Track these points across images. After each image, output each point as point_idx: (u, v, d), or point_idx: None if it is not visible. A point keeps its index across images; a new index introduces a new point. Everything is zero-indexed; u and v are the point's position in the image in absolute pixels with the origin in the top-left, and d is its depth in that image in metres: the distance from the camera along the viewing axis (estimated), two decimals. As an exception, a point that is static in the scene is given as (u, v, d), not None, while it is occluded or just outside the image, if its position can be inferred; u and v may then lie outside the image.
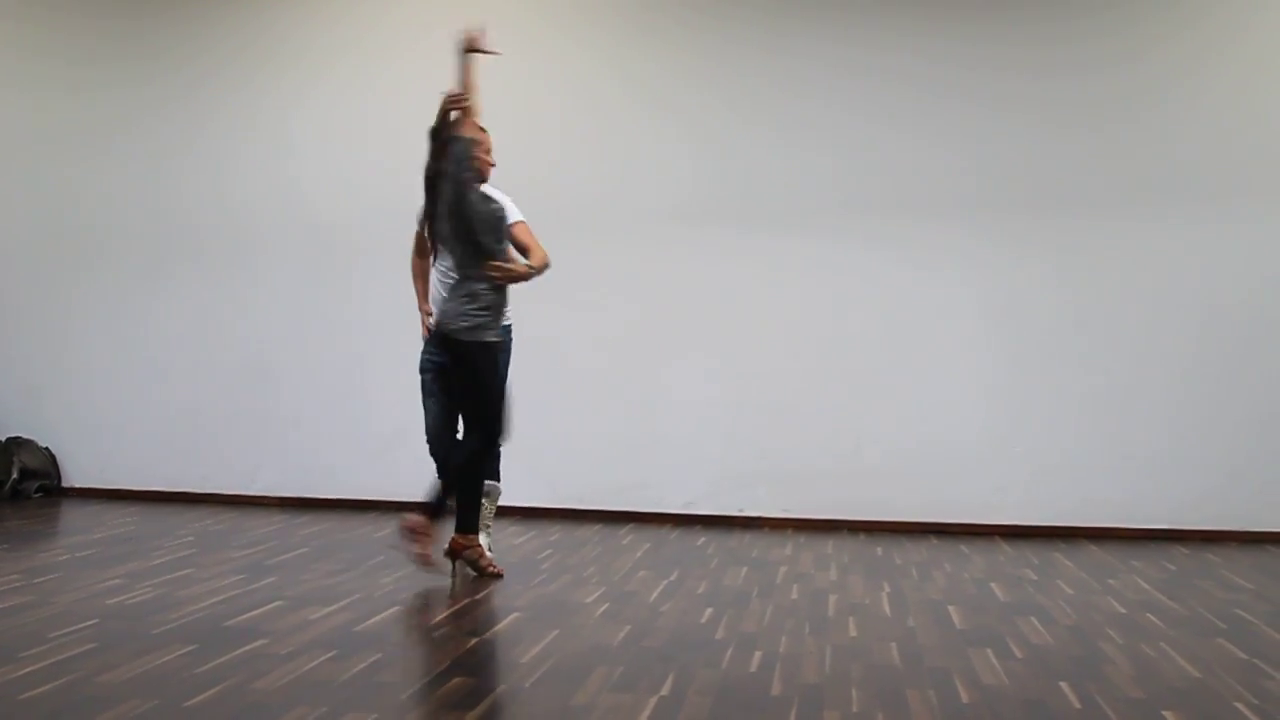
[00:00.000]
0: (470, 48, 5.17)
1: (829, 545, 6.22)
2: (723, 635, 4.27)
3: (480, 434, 5.19)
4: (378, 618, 4.49)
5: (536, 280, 5.29)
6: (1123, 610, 4.77)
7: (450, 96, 5.17)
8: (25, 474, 7.46)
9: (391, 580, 5.18)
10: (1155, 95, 6.57)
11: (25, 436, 7.64)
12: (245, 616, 4.43)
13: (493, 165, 5.23)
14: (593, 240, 6.92)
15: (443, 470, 5.33)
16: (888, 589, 5.14)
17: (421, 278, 5.58)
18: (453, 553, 5.25)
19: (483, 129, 5.20)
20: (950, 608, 4.78)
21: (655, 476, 6.95)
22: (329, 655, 3.92)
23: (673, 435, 6.93)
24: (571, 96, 7.13)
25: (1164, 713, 3.41)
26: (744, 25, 6.91)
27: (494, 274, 5.08)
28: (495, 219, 5.10)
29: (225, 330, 7.48)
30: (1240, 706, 3.48)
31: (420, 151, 5.63)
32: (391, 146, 7.23)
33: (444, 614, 4.69)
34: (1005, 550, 6.14)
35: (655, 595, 4.94)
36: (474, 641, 4.21)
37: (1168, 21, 6.60)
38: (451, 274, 5.18)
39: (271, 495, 7.37)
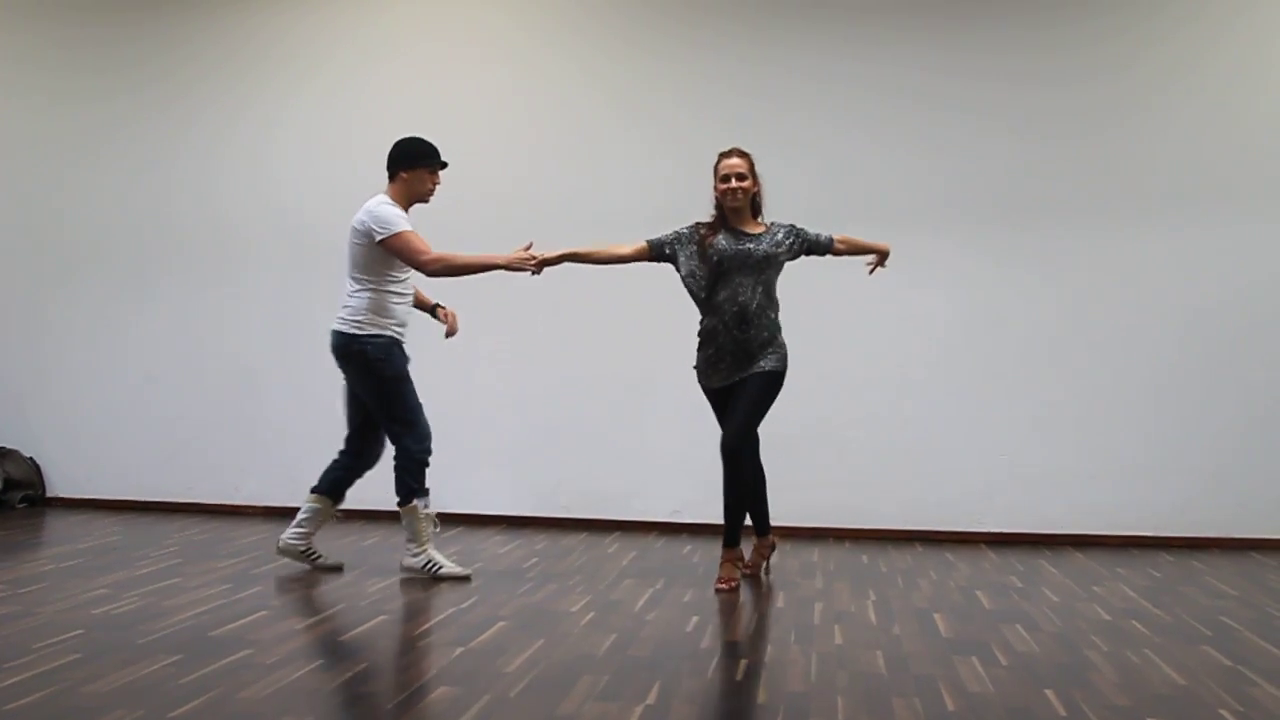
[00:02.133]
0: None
1: (814, 553, 6.23)
2: (708, 644, 4.27)
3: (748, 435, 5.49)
4: (363, 627, 4.48)
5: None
6: (1108, 617, 4.79)
7: None
8: (9, 484, 7.43)
9: (376, 590, 5.17)
10: (1135, 104, 6.61)
11: (9, 446, 7.60)
12: (230, 626, 4.42)
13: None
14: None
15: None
16: (873, 597, 5.15)
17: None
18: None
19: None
20: (936, 615, 4.79)
21: (641, 485, 6.95)
22: (314, 665, 3.91)
23: (658, 444, 6.93)
24: (550, 106, 7.13)
25: (1148, 720, 3.42)
26: (723, 36, 6.92)
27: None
28: None
29: (209, 339, 7.46)
30: (1225, 714, 3.49)
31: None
32: (375, 154, 7.20)
33: (429, 624, 4.68)
34: (990, 558, 6.16)
35: (641, 604, 4.93)
36: (459, 651, 4.20)
37: (1148, 31, 6.63)
38: None
39: (256, 504, 7.34)
